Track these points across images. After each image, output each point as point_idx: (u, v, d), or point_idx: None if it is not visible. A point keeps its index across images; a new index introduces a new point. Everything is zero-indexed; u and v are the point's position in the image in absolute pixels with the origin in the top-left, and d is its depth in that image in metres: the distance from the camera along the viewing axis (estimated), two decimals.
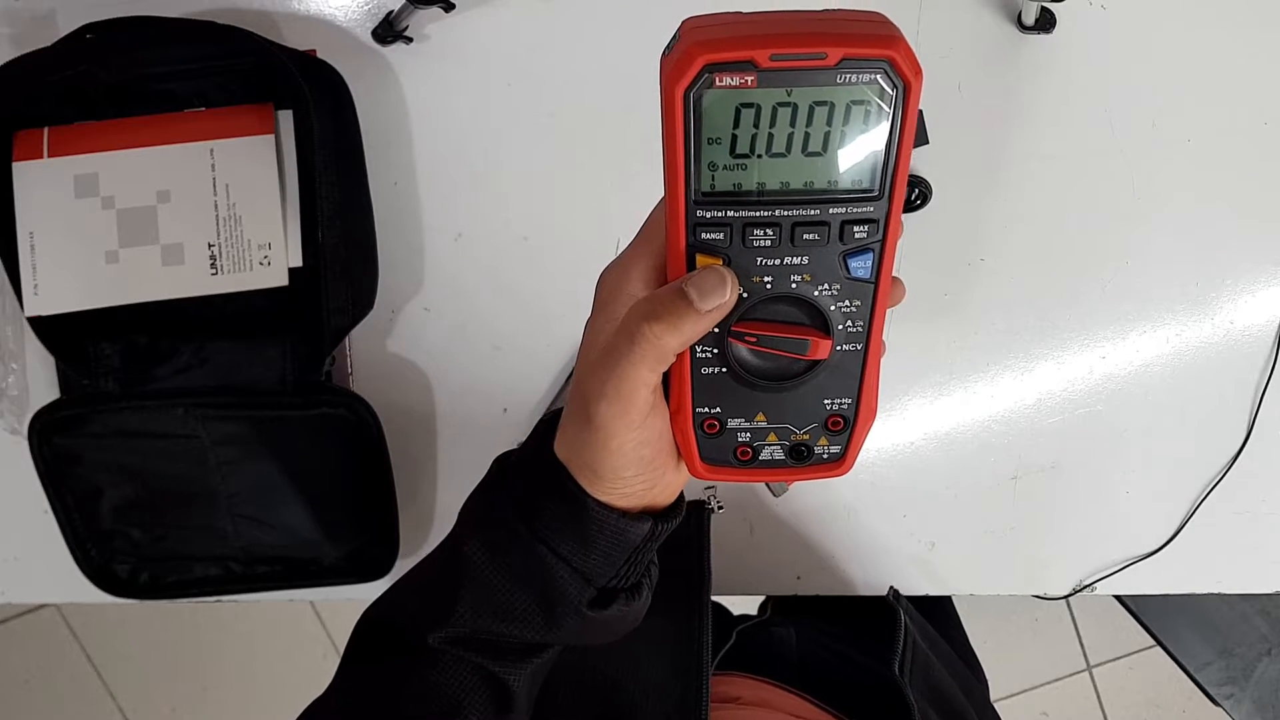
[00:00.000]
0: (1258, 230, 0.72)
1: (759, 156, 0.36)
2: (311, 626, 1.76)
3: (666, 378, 0.41)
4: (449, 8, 0.68)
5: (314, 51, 0.72)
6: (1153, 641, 1.09)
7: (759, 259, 0.38)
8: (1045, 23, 0.70)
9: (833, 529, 0.77)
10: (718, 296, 0.37)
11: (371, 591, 0.75)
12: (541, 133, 0.73)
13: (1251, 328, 0.73)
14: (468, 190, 0.73)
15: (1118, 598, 1.02)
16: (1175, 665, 1.09)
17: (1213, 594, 0.78)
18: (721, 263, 0.38)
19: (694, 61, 0.34)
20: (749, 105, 0.34)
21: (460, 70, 0.72)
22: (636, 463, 0.40)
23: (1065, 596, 0.77)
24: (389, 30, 0.71)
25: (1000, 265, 0.73)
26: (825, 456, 0.42)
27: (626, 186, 0.73)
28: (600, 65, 0.72)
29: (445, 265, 0.74)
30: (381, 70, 0.72)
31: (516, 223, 0.74)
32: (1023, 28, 0.70)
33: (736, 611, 0.90)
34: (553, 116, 0.73)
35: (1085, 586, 0.77)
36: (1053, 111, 0.71)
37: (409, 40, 0.71)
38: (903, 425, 0.75)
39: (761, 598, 1.01)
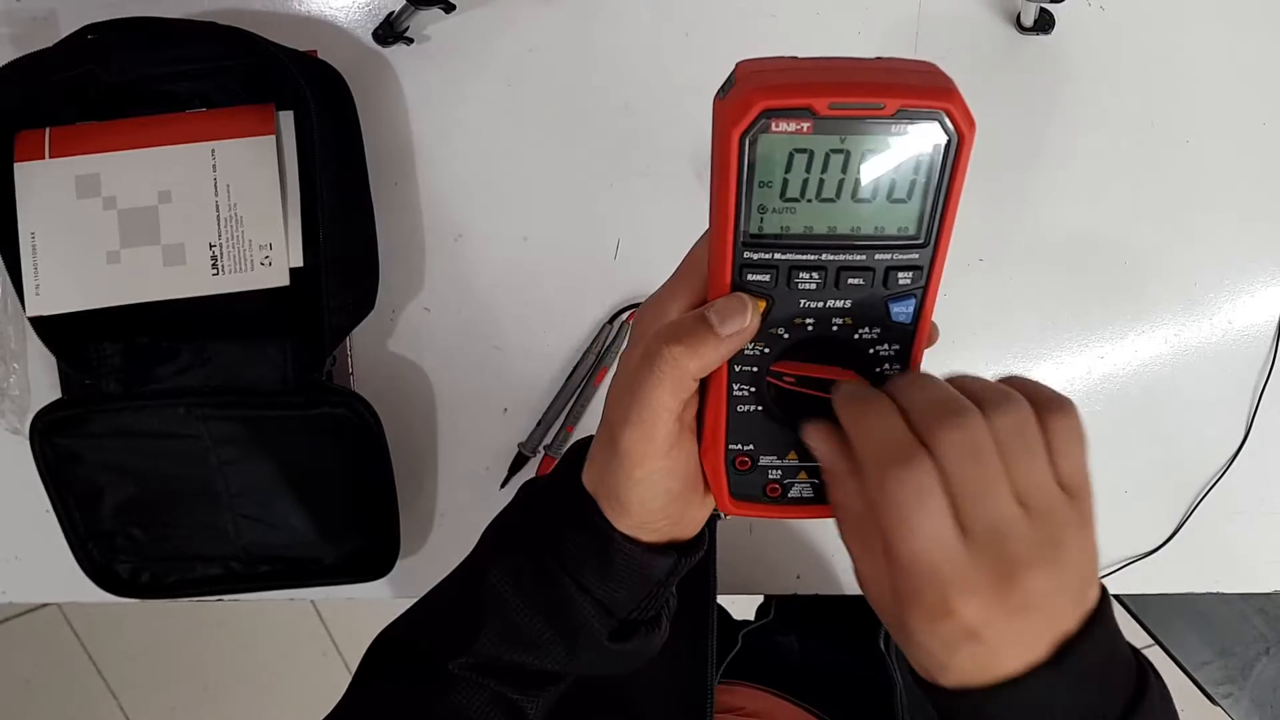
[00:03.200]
0: (1257, 230, 0.72)
1: (808, 201, 0.36)
2: (312, 626, 1.76)
3: (701, 414, 0.41)
4: (449, 9, 0.69)
5: (314, 52, 0.72)
6: (1151, 641, 1.09)
7: (802, 301, 0.38)
8: (1044, 24, 0.70)
9: (833, 529, 0.77)
10: (738, 322, 0.37)
11: (372, 591, 0.75)
12: (542, 133, 0.73)
13: (1250, 327, 0.73)
14: (468, 190, 0.74)
15: (1116, 597, 1.02)
16: (1174, 664, 1.09)
17: (1211, 593, 0.78)
18: (765, 305, 0.38)
19: (753, 106, 0.34)
20: (803, 150, 0.35)
21: (460, 71, 0.72)
22: (663, 495, 0.40)
23: None
24: (389, 31, 0.71)
25: (1000, 265, 0.73)
26: None
27: (626, 187, 0.73)
28: (600, 65, 0.72)
29: (445, 265, 0.74)
30: (382, 71, 0.73)
31: (516, 223, 0.74)
32: (1022, 29, 0.70)
33: (736, 613, 0.90)
34: (553, 117, 0.73)
35: None
36: (1052, 112, 0.72)
37: (409, 41, 0.72)
38: None
39: (761, 598, 1.01)
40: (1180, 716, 0.42)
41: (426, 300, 0.75)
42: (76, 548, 0.73)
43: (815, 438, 0.39)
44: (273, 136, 0.69)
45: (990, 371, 0.73)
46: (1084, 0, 0.70)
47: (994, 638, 0.35)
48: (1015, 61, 0.71)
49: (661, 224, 0.73)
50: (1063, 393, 0.37)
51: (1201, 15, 0.70)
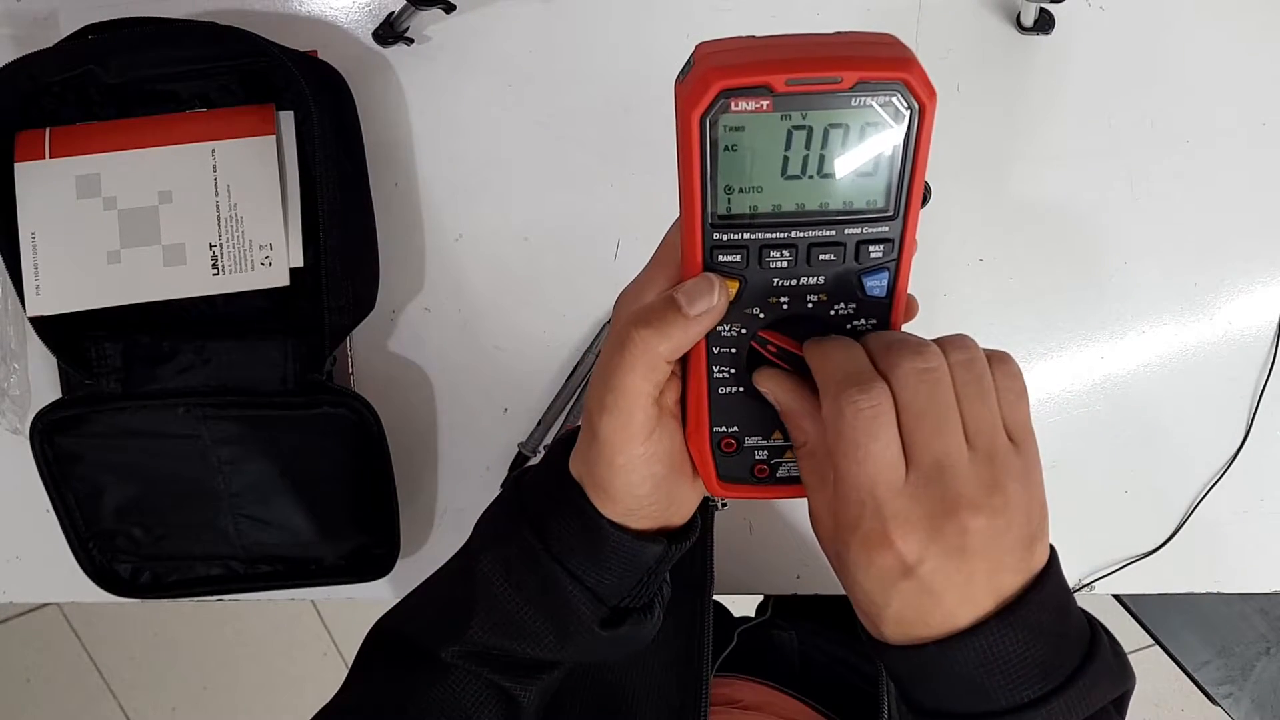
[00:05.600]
0: (1256, 230, 0.73)
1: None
2: (312, 625, 1.76)
3: (684, 398, 0.41)
4: (450, 9, 0.69)
5: (315, 52, 0.72)
6: (1151, 641, 1.09)
7: (775, 280, 0.38)
8: (1044, 24, 0.70)
9: None
10: (705, 302, 0.37)
11: (372, 591, 0.75)
12: (542, 133, 0.73)
13: (1250, 327, 0.73)
14: (468, 191, 0.74)
15: (1117, 597, 1.02)
16: (1174, 664, 1.09)
17: (1211, 593, 0.78)
18: (736, 285, 0.38)
19: (710, 87, 0.34)
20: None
21: (461, 71, 0.73)
22: (648, 480, 0.40)
23: None
24: (390, 31, 0.71)
25: (1000, 265, 0.73)
26: None
27: (626, 187, 0.73)
28: (600, 66, 0.72)
29: (446, 265, 0.74)
30: (382, 71, 0.73)
31: (516, 223, 0.74)
32: (1022, 29, 0.70)
33: (736, 611, 0.90)
34: (553, 117, 0.73)
35: (1084, 586, 0.77)
36: (1052, 112, 0.72)
37: (410, 41, 0.72)
38: None
39: (761, 597, 1.02)
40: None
41: (426, 300, 0.75)
42: (76, 548, 0.73)
43: (767, 379, 0.39)
44: (273, 136, 0.69)
45: None
46: (1084, 0, 0.70)
47: (931, 578, 0.34)
48: (1015, 61, 0.71)
49: (662, 225, 0.73)
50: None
51: (1201, 15, 0.70)
